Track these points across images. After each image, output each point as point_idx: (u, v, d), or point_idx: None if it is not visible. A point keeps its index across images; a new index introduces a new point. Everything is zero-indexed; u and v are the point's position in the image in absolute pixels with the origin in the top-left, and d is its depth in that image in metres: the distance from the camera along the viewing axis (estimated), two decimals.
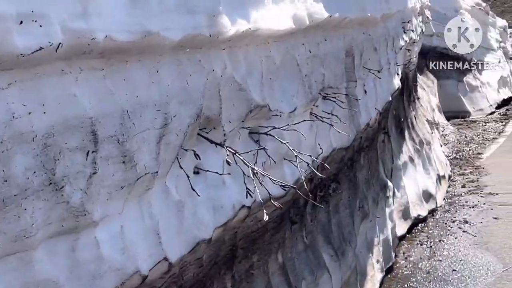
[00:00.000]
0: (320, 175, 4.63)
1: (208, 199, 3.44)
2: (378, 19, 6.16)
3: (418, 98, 10.40)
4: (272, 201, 3.54)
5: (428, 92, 14.53)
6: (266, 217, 3.37)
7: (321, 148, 4.76)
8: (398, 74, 7.19)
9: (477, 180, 9.76)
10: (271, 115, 4.16)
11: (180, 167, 3.22)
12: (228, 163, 3.40)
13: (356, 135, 5.67)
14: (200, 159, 3.30)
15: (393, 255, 6.66)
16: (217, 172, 3.43)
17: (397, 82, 7.00)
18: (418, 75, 15.20)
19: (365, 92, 5.92)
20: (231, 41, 3.64)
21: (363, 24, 5.93)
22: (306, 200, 4.79)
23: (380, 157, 6.92)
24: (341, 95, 5.28)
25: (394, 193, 7.33)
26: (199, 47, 3.34)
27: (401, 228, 7.35)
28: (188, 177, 3.21)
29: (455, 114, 15.98)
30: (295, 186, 3.76)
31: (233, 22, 3.52)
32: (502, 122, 15.68)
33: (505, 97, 18.79)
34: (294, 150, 4.02)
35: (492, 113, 17.17)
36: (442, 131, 13.44)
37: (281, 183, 3.60)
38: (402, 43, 7.36)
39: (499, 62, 19.26)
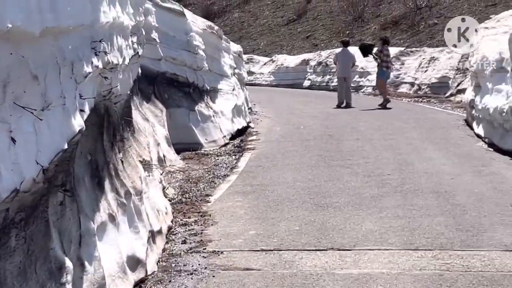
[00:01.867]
0: None
1: None
2: (35, 34, 4.23)
3: (134, 135, 8.62)
4: None
5: (155, 122, 12.90)
6: None
7: None
8: (83, 110, 5.28)
9: (201, 233, 8.13)
10: None
11: None
12: None
13: None
14: None
15: None
16: None
17: (79, 123, 5.07)
18: (145, 103, 13.57)
19: (13, 141, 3.95)
20: None
21: (9, 40, 3.98)
22: None
23: (56, 226, 4.95)
24: None
25: (84, 268, 5.41)
26: None
27: None
28: None
29: (187, 146, 14.50)
30: None
31: None
32: (235, 155, 14.51)
33: (240, 127, 17.81)
34: None
35: (226, 144, 16.00)
36: (168, 169, 11.83)
37: None
38: (89, 69, 5.47)
39: (233, 89, 18.27)
